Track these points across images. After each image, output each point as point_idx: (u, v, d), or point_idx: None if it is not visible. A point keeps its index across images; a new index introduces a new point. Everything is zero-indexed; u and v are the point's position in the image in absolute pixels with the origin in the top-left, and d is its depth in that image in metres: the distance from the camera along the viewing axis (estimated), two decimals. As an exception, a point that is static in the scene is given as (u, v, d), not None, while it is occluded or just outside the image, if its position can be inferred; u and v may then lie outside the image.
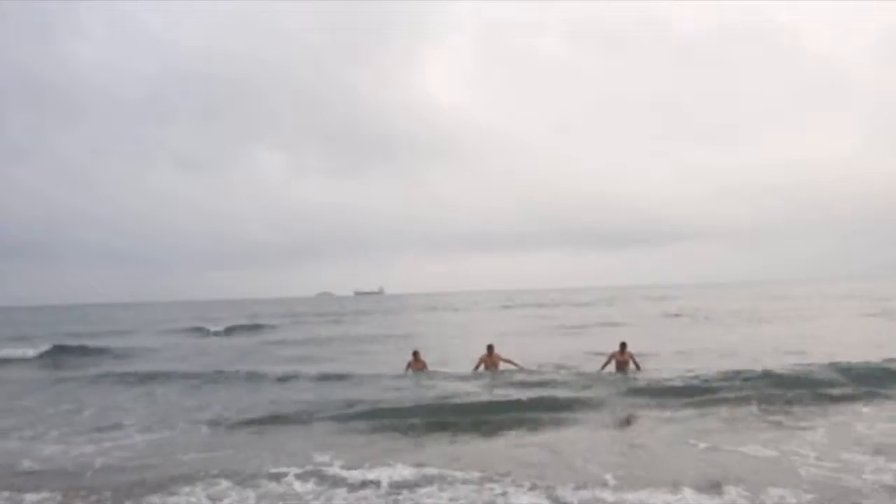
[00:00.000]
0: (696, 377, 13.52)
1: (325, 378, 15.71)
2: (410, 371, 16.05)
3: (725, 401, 11.63)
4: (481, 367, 15.88)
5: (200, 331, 39.84)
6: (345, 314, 60.14)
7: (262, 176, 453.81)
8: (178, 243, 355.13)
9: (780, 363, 15.00)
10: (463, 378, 14.84)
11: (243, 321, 48.16)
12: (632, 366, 15.44)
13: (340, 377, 15.83)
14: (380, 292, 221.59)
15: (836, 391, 12.11)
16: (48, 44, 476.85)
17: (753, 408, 11.09)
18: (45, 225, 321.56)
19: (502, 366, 15.95)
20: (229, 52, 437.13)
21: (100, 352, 25.22)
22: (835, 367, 13.76)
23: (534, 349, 20.95)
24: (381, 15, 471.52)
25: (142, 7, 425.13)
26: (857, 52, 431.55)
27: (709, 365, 15.50)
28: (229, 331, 39.39)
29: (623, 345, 15.77)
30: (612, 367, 15.36)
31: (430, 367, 16.37)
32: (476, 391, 13.09)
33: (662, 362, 17.02)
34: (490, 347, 16.12)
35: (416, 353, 16.61)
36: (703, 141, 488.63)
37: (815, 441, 8.71)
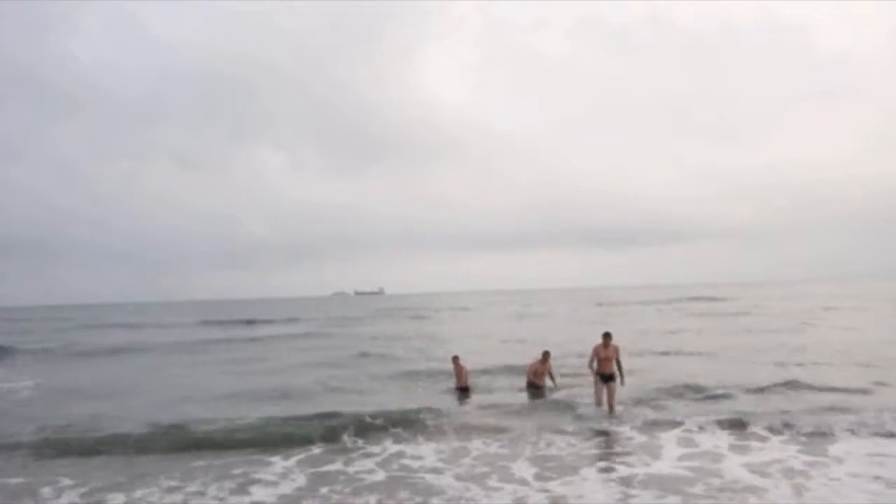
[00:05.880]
0: None
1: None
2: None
3: None
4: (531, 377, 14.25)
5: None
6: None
7: (262, 176, 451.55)
8: (177, 243, 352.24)
9: None
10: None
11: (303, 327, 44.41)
12: (615, 367, 11.34)
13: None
14: (380, 292, 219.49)
15: None
16: (47, 43, 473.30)
17: None
18: (43, 224, 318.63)
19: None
20: (229, 52, 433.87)
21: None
22: None
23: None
24: (381, 15, 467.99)
25: (141, 7, 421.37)
26: (864, 52, 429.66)
27: None
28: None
29: (606, 336, 11.36)
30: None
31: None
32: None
33: None
34: (546, 354, 14.06)
35: (455, 359, 14.72)
36: (706, 140, 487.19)
37: None
